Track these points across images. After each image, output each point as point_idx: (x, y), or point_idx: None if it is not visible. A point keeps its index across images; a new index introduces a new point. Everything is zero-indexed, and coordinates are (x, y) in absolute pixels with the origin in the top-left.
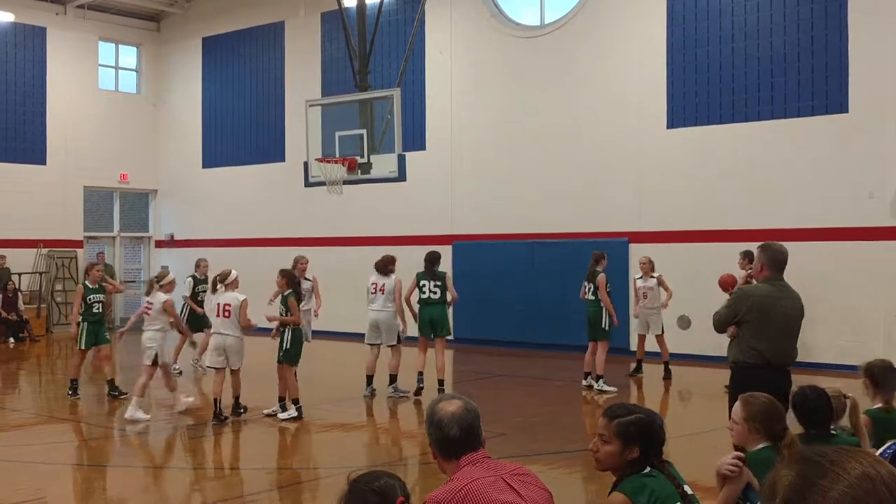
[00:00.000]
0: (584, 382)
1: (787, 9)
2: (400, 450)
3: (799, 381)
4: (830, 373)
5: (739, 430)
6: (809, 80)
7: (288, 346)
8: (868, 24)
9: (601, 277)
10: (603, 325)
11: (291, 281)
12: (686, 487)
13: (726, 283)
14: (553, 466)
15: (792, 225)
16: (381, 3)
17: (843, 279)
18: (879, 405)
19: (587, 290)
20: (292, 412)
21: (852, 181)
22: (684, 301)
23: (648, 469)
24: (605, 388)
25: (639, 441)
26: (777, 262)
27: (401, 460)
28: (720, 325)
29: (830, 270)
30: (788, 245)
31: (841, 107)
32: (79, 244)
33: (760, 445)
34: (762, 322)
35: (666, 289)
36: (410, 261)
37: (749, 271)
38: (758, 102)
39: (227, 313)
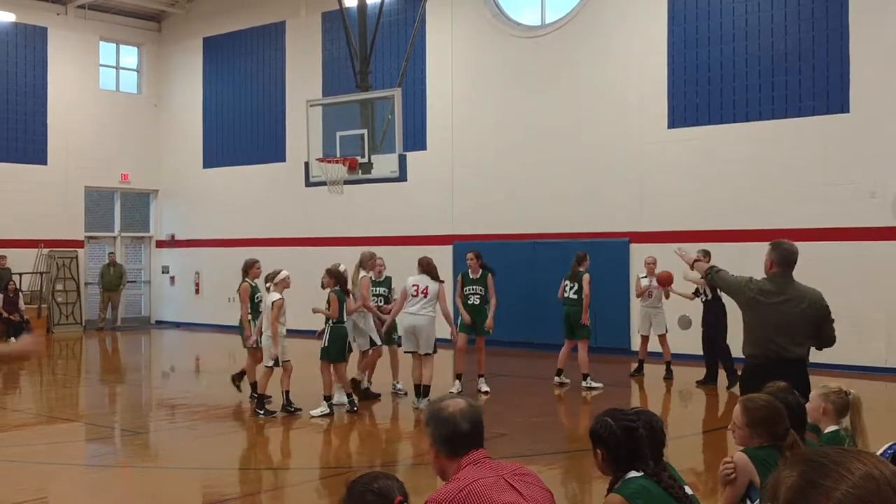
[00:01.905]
0: (556, 379)
1: (788, 8)
2: (402, 450)
3: None
4: (830, 373)
5: (741, 434)
6: (810, 79)
7: (326, 343)
8: (869, 23)
9: (587, 276)
10: (584, 323)
11: (339, 279)
12: (686, 488)
13: (664, 281)
14: (554, 466)
15: (793, 225)
16: (382, 3)
17: (844, 279)
18: None
19: (567, 288)
20: (324, 409)
21: (853, 181)
22: (685, 301)
23: (642, 473)
24: (594, 384)
25: (599, 445)
26: (786, 260)
27: (402, 461)
28: (722, 282)
29: (831, 270)
30: None
31: (842, 107)
32: (80, 244)
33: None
34: (754, 317)
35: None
36: (412, 261)
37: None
38: (759, 102)
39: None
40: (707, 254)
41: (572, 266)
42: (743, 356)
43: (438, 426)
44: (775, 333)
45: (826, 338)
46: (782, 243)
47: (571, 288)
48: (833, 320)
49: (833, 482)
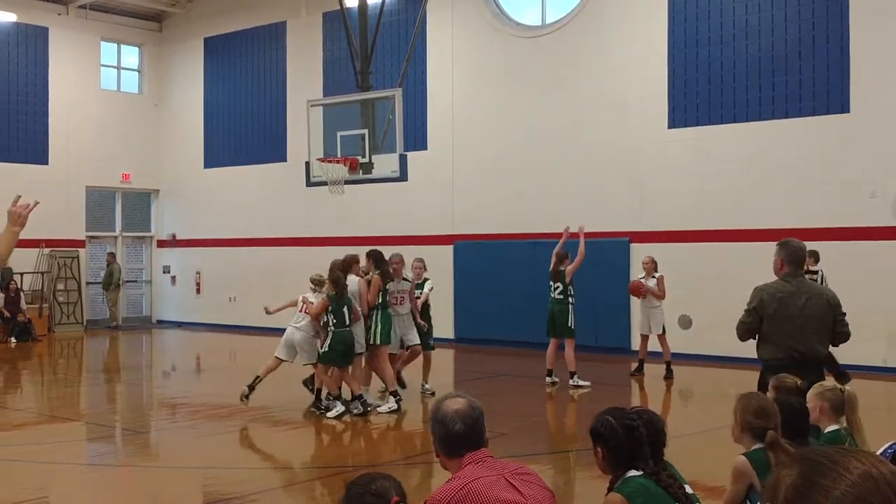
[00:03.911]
0: (548, 380)
1: (789, 8)
2: (402, 448)
3: None
4: (831, 372)
5: (733, 426)
6: (811, 79)
7: (326, 347)
8: (869, 23)
9: (570, 268)
10: (569, 324)
11: (336, 283)
12: (687, 487)
13: (634, 291)
14: (554, 466)
15: (793, 225)
16: (383, 3)
17: (844, 279)
18: None
19: (552, 288)
20: (339, 409)
21: (853, 181)
22: (685, 301)
23: (641, 472)
24: (581, 382)
25: (600, 443)
26: (796, 257)
27: (404, 459)
28: (745, 333)
29: (831, 270)
30: None
31: (842, 107)
32: (81, 244)
33: (756, 446)
34: (778, 321)
35: (661, 289)
36: (409, 261)
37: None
38: (759, 102)
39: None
40: (814, 254)
41: (553, 266)
42: (761, 360)
43: (435, 427)
44: (803, 334)
45: (842, 333)
46: (790, 242)
47: (556, 288)
48: (846, 314)
49: (832, 481)
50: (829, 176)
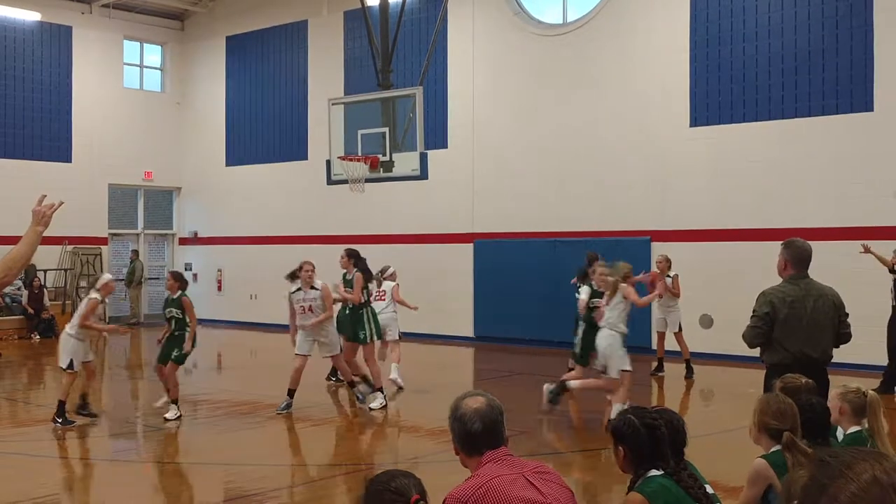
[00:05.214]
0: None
1: (812, 6)
2: (422, 447)
3: None
4: (852, 373)
5: (751, 427)
6: (834, 78)
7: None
8: (893, 20)
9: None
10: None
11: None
12: (707, 487)
13: (652, 280)
14: (574, 465)
15: (816, 224)
16: (404, 2)
17: (869, 279)
18: None
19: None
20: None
21: (878, 180)
22: (706, 300)
23: (662, 472)
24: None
25: (622, 443)
26: (801, 259)
27: (423, 456)
28: (755, 338)
29: (856, 270)
30: (813, 244)
31: (866, 105)
32: (103, 241)
33: (774, 447)
34: (788, 324)
35: (676, 287)
36: (429, 260)
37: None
38: (782, 100)
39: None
40: None
41: (584, 266)
42: (767, 364)
43: (455, 425)
44: (813, 337)
45: (845, 334)
46: (795, 241)
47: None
48: (848, 314)
49: (840, 485)
50: (853, 175)
